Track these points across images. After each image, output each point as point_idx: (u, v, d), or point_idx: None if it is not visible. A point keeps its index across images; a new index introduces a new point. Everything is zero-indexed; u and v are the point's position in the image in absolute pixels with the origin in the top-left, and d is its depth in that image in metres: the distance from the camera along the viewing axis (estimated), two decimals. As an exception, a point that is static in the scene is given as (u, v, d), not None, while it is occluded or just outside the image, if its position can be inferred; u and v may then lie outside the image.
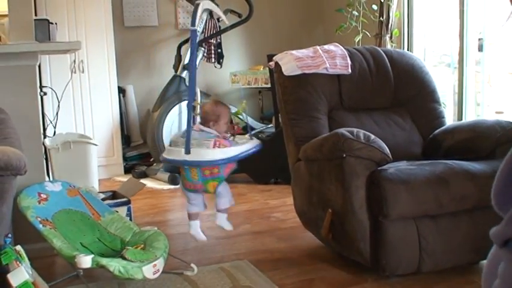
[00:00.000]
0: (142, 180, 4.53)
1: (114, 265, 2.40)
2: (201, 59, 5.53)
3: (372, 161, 2.72)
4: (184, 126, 5.38)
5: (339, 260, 3.02)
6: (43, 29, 3.49)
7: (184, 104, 5.38)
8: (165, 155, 2.84)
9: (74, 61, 5.15)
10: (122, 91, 5.64)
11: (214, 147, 2.72)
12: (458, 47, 4.47)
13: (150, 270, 2.46)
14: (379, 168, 2.73)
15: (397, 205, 2.63)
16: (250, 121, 5.67)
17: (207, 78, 5.91)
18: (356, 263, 2.89)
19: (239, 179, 5.03)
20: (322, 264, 3.02)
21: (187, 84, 5.50)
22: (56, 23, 3.85)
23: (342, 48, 3.49)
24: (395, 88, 3.46)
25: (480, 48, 4.29)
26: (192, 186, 2.86)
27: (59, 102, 4.83)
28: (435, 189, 2.67)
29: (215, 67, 5.71)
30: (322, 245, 3.19)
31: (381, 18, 4.90)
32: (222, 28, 5.53)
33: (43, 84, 4.80)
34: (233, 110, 3.25)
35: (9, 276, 2.19)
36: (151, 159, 5.59)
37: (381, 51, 3.56)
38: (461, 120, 4.44)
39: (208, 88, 5.87)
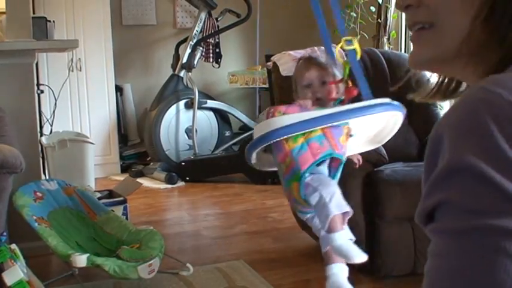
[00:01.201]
0: (139, 180, 4.53)
1: (110, 264, 2.39)
2: (199, 58, 5.53)
3: (368, 162, 2.72)
4: (181, 126, 5.41)
5: (335, 260, 3.02)
6: (41, 27, 3.49)
7: (182, 103, 5.39)
8: None
9: (72, 59, 5.14)
10: (119, 90, 5.64)
11: (268, 117, 1.91)
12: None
13: (146, 270, 2.45)
14: (375, 169, 2.74)
15: (393, 206, 2.63)
16: (242, 118, 5.67)
17: (205, 78, 5.90)
18: (351, 264, 2.89)
19: (236, 179, 5.04)
20: (318, 265, 3.02)
21: (185, 83, 5.50)
22: (53, 21, 3.85)
23: (340, 49, 3.49)
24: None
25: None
26: (290, 201, 2.02)
27: (56, 100, 4.82)
28: (431, 191, 2.67)
29: (213, 67, 5.71)
30: (318, 245, 3.18)
31: (379, 20, 4.91)
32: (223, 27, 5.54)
33: (40, 82, 4.79)
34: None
35: (3, 274, 2.18)
36: (148, 159, 5.58)
37: (378, 53, 3.56)
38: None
39: (206, 88, 5.87)
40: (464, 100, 0.59)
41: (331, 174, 1.94)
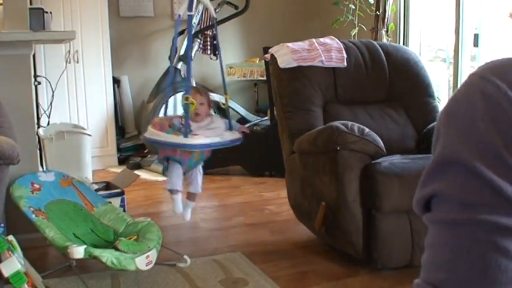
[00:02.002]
0: (137, 172, 4.52)
1: (107, 256, 2.39)
2: (197, 50, 5.52)
3: (366, 154, 2.72)
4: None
5: (332, 252, 3.03)
6: (38, 18, 3.46)
7: (179, 95, 5.37)
8: None
9: (69, 51, 5.13)
10: (116, 82, 5.62)
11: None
12: (453, 42, 4.47)
13: (143, 262, 2.45)
14: (372, 161, 2.74)
15: (390, 198, 2.64)
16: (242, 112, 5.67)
17: (202, 70, 5.89)
18: (348, 256, 2.90)
19: (233, 171, 5.04)
20: (315, 257, 3.03)
21: (182, 75, 5.48)
22: (51, 12, 3.82)
23: (338, 41, 3.48)
24: (390, 82, 3.46)
25: (475, 43, 4.29)
26: None
27: (53, 92, 4.81)
28: (428, 184, 2.67)
29: (211, 59, 5.70)
30: (315, 237, 3.20)
31: (377, 12, 4.90)
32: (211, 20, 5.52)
33: (37, 74, 4.78)
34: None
35: (1, 266, 2.18)
36: (146, 151, 5.57)
37: (377, 45, 3.56)
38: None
39: (203, 80, 5.86)
40: (463, 89, 0.59)
41: (186, 163, 2.98)
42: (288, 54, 3.32)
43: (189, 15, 3.14)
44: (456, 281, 0.55)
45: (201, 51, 5.60)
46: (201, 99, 2.97)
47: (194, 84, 5.34)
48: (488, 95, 0.56)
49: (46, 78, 4.88)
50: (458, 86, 4.36)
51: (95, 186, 3.47)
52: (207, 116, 3.01)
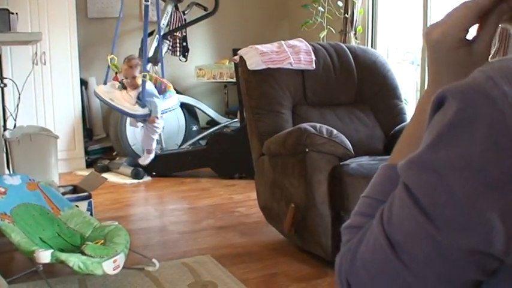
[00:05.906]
0: (105, 175, 4.47)
1: (74, 260, 2.36)
2: (166, 52, 5.49)
3: (334, 156, 2.74)
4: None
5: (301, 254, 3.04)
6: (3, 19, 3.41)
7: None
8: None
9: (36, 53, 5.05)
10: (84, 83, 5.56)
11: None
12: (421, 44, 4.53)
13: (110, 266, 2.43)
14: (341, 163, 2.76)
15: (358, 200, 2.66)
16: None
17: (171, 72, 5.86)
18: (318, 257, 2.91)
19: (203, 174, 5.02)
20: (284, 259, 3.03)
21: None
22: (16, 13, 3.76)
23: (307, 43, 3.50)
24: (358, 84, 3.49)
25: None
26: None
27: (19, 94, 4.73)
28: (396, 185, 2.70)
29: (180, 60, 5.68)
30: (285, 239, 3.21)
31: (346, 15, 4.94)
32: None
33: (4, 76, 4.70)
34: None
35: (-36, 271, 2.14)
36: (114, 153, 5.52)
37: (345, 48, 3.58)
38: (423, 116, 4.49)
39: (173, 81, 5.83)
40: (471, 84, 0.57)
41: None
42: (257, 56, 3.32)
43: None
44: None
45: (171, 52, 5.58)
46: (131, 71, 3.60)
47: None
48: (493, 102, 0.54)
49: (12, 80, 4.78)
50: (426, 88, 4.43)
51: (62, 190, 3.42)
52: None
